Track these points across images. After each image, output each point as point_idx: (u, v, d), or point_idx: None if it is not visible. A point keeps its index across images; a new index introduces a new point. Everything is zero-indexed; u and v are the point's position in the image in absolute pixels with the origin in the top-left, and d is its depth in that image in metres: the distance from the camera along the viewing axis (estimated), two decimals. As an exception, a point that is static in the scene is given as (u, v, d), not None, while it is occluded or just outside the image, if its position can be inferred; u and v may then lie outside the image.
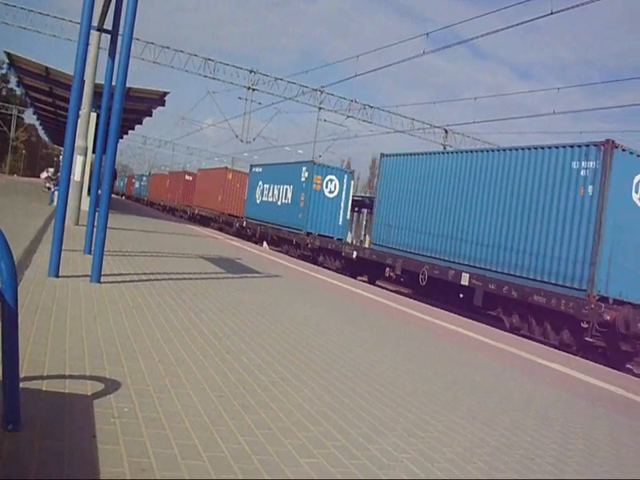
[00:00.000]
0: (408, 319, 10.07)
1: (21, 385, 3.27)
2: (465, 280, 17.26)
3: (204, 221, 44.77)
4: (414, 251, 20.49)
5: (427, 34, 31.44)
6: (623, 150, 13.99)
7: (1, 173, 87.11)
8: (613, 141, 13.86)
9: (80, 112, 12.85)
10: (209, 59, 42.14)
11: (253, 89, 43.98)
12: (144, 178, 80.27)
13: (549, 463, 4.03)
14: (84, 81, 14.36)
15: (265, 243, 32.29)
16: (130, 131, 39.95)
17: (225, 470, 2.98)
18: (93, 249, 8.40)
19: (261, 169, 36.59)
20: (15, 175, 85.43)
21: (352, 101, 46.12)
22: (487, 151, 18.24)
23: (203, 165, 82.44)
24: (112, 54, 10.49)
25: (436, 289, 19.42)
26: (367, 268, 24.20)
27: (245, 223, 36.44)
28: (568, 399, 6.21)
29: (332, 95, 45.70)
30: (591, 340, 13.38)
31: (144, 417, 3.48)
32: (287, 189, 31.39)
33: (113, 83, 8.79)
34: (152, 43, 40.03)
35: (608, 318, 13.19)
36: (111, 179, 8.32)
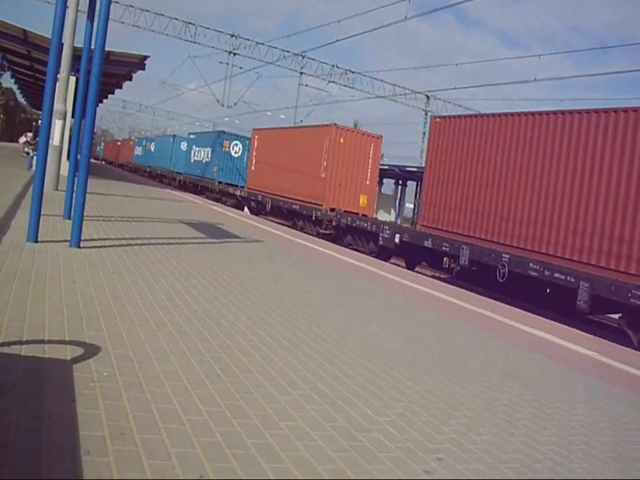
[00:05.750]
0: (371, 275, 10.11)
1: (0, 350, 3.26)
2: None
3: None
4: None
5: (409, -1, 31.04)
6: None
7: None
8: None
9: (58, 75, 12.69)
10: (190, 23, 41.68)
11: (234, 54, 43.57)
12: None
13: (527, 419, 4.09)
14: (62, 44, 14.18)
15: (245, 208, 31.92)
16: (110, 95, 39.42)
17: (205, 433, 2.99)
18: (72, 213, 8.33)
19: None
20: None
21: (333, 66, 45.86)
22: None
23: (184, 129, 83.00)
24: (91, 17, 10.34)
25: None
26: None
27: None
28: None
29: (313, 59, 45.46)
30: None
31: (124, 381, 3.48)
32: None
33: (92, 47, 8.66)
34: (131, 6, 39.47)
35: None
36: (91, 143, 8.25)
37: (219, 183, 38.03)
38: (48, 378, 3.33)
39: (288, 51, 44.52)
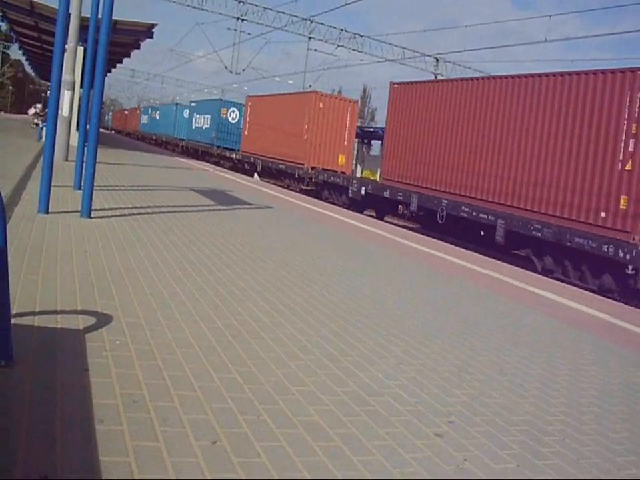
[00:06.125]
0: (381, 239, 10.10)
1: (13, 321, 3.29)
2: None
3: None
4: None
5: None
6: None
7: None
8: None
9: (66, 46, 12.64)
10: (197, -11, 41.26)
11: (242, 20, 43.20)
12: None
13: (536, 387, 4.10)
14: (69, 14, 14.10)
15: (255, 175, 32.22)
16: (118, 65, 39.27)
17: (217, 400, 3.02)
18: (82, 183, 8.35)
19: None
20: (3, 112, 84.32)
21: (342, 30, 45.37)
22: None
23: (192, 97, 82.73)
24: (97, -15, 10.27)
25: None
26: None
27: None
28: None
29: (322, 24, 44.94)
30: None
31: (136, 349, 3.51)
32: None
33: (100, 16, 8.62)
34: (137, -27, 39.10)
35: None
36: (100, 113, 8.25)
37: (217, 147, 40.67)
38: (61, 348, 3.36)
39: (296, 16, 44.10)
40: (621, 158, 12.84)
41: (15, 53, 73.43)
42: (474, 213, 16.48)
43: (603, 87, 13.46)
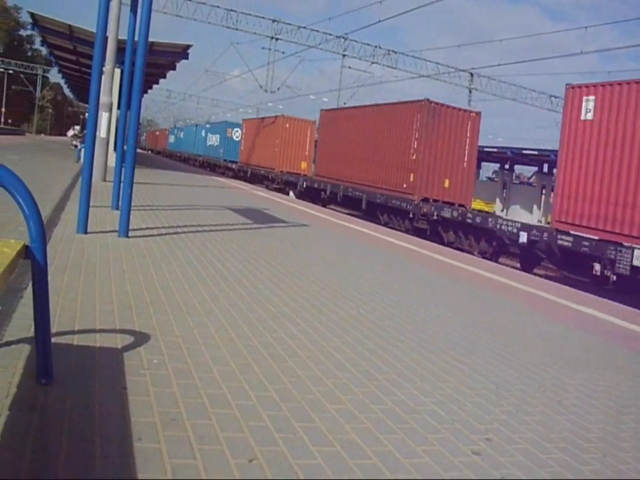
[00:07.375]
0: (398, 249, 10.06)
1: (53, 339, 3.34)
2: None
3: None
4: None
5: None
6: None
7: (29, 132, 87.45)
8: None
9: (104, 68, 12.85)
10: (232, 10, 41.72)
11: (277, 39, 43.53)
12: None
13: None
14: (107, 37, 14.31)
15: (291, 192, 33.05)
16: (154, 85, 39.77)
17: (254, 418, 3.03)
18: (120, 204, 8.46)
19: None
20: (43, 134, 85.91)
21: (376, 46, 45.49)
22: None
23: (227, 116, 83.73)
24: (134, 9, 10.43)
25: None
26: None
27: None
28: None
29: (356, 41, 45.13)
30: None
31: (173, 367, 3.54)
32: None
33: (136, 38, 8.75)
34: (173, -4, 39.57)
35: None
36: (136, 134, 8.36)
37: (224, 160, 50.35)
38: (99, 366, 3.40)
39: (330, 34, 44.32)
40: (411, 152, 22.45)
41: (55, 76, 75.10)
42: (354, 192, 26.56)
43: (405, 112, 23.26)
